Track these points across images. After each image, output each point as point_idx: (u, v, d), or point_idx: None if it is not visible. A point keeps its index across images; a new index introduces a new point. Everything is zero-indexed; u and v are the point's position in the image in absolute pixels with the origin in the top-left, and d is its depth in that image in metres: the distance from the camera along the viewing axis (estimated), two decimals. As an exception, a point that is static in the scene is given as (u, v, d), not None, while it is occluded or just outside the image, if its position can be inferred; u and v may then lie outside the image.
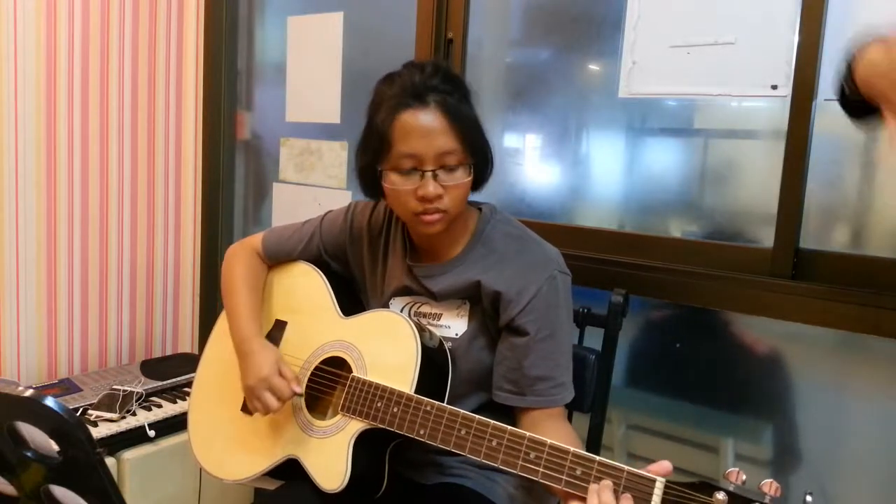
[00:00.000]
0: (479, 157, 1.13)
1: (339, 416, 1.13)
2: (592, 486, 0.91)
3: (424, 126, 1.07)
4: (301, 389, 1.17)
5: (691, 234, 1.50)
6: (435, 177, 1.08)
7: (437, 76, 1.10)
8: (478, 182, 1.18)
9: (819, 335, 1.34)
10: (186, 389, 1.98)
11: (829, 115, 1.30)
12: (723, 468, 1.47)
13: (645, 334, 1.59)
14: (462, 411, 1.03)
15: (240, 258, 1.35)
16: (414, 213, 1.11)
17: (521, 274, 1.14)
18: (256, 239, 1.38)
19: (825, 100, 1.29)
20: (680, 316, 1.54)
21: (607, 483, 0.89)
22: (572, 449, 0.94)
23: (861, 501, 1.36)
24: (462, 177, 1.10)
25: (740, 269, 1.38)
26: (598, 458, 0.92)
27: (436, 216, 1.10)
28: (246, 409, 1.27)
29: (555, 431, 0.98)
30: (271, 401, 1.15)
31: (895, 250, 1.27)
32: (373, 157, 1.13)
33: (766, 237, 1.37)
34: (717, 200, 1.47)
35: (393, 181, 1.11)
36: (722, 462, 1.49)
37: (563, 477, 0.93)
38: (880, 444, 1.31)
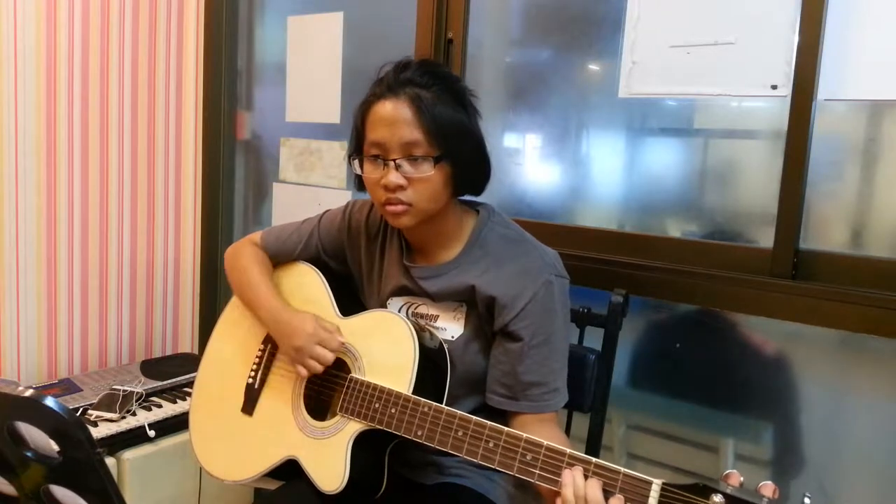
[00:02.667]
0: (455, 155, 1.11)
1: (337, 417, 1.13)
2: (566, 471, 0.92)
3: (390, 115, 1.09)
4: (345, 338, 1.18)
5: (691, 234, 1.50)
6: (398, 167, 1.09)
7: (417, 70, 1.11)
8: (469, 185, 1.17)
9: (819, 335, 1.34)
10: (186, 389, 1.98)
11: (829, 115, 1.30)
12: (723, 468, 1.47)
13: (645, 334, 1.59)
14: (459, 412, 1.03)
15: (243, 252, 1.36)
16: (380, 203, 1.13)
17: (517, 279, 1.13)
18: (255, 238, 1.38)
19: (825, 100, 1.29)
20: (680, 316, 1.54)
21: (579, 468, 0.92)
22: (568, 450, 0.94)
23: (861, 501, 1.36)
24: (427, 170, 1.09)
25: (740, 269, 1.38)
26: (594, 459, 0.92)
27: (399, 207, 1.10)
28: (246, 409, 1.27)
29: (545, 436, 0.98)
30: (324, 353, 1.15)
31: (895, 250, 1.27)
32: (352, 145, 1.17)
33: (766, 237, 1.37)
34: (717, 200, 1.47)
35: (364, 168, 1.14)
36: (722, 462, 1.49)
37: (560, 479, 0.93)
38: (881, 443, 1.31)
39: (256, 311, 1.28)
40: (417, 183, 1.09)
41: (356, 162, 1.15)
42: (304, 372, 1.17)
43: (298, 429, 1.18)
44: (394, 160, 1.09)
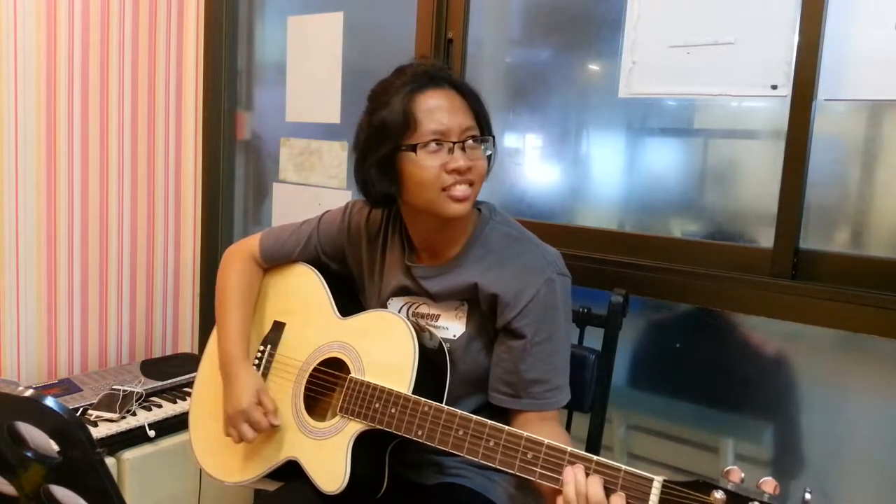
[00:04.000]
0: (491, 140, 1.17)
1: (337, 418, 1.13)
2: (567, 469, 0.92)
3: (447, 103, 1.11)
4: (279, 422, 1.18)
5: (691, 234, 1.50)
6: (464, 149, 1.11)
7: (443, 68, 1.17)
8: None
9: (819, 335, 1.34)
10: (186, 389, 1.98)
11: (829, 115, 1.30)
12: (723, 468, 1.47)
13: (645, 334, 1.59)
14: (459, 411, 1.03)
15: (235, 266, 1.35)
16: (443, 189, 1.10)
17: (519, 276, 1.13)
18: (254, 241, 1.37)
19: (825, 100, 1.29)
20: (680, 316, 1.54)
21: (580, 465, 0.92)
22: (569, 448, 0.94)
23: (861, 501, 1.36)
24: (488, 149, 1.15)
25: (740, 269, 1.38)
26: (595, 457, 0.92)
27: (468, 191, 1.11)
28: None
29: (548, 434, 0.98)
30: (247, 432, 1.17)
31: (895, 250, 1.27)
32: (394, 140, 1.10)
33: (766, 237, 1.37)
34: (717, 200, 1.47)
35: (420, 158, 1.09)
36: (722, 462, 1.49)
37: (561, 477, 0.93)
38: (881, 443, 1.31)
39: (218, 347, 1.30)
40: (479, 164, 1.13)
41: (408, 153, 1.10)
42: (226, 433, 1.21)
43: (298, 429, 1.18)
44: (461, 142, 1.10)
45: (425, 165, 1.09)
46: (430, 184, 1.10)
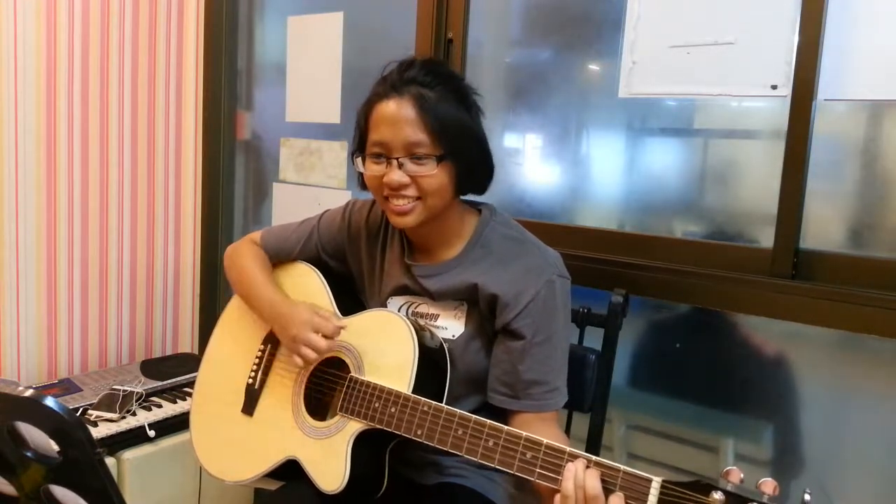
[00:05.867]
0: (458, 155, 1.11)
1: (337, 417, 1.14)
2: (569, 464, 0.92)
3: (394, 115, 1.09)
4: (345, 323, 1.17)
5: (691, 234, 1.50)
6: (400, 166, 1.09)
7: (421, 70, 1.12)
8: (472, 184, 1.17)
9: (819, 335, 1.34)
10: (186, 389, 1.98)
11: (829, 115, 1.30)
12: (723, 468, 1.47)
13: (645, 334, 1.59)
14: (459, 411, 1.03)
15: (242, 250, 1.37)
16: (384, 200, 1.14)
17: (519, 277, 1.13)
18: (254, 237, 1.38)
19: (825, 100, 1.29)
20: (680, 316, 1.54)
21: (581, 460, 0.91)
22: (568, 448, 0.94)
23: (861, 501, 1.36)
24: (430, 169, 1.09)
25: (740, 269, 1.38)
26: (594, 457, 0.92)
27: (405, 206, 1.11)
28: (247, 409, 1.27)
29: (546, 435, 0.98)
30: (317, 341, 1.14)
31: (895, 250, 1.27)
32: (357, 142, 1.18)
33: (766, 237, 1.37)
34: (717, 200, 1.47)
35: (367, 166, 1.14)
36: (722, 462, 1.49)
37: (560, 477, 0.93)
38: (881, 443, 1.31)
39: (256, 305, 1.28)
40: (421, 180, 1.10)
41: (359, 160, 1.16)
42: (299, 361, 1.16)
43: (298, 429, 1.18)
44: (397, 158, 1.09)
45: (369, 174, 1.14)
46: (374, 191, 1.16)
